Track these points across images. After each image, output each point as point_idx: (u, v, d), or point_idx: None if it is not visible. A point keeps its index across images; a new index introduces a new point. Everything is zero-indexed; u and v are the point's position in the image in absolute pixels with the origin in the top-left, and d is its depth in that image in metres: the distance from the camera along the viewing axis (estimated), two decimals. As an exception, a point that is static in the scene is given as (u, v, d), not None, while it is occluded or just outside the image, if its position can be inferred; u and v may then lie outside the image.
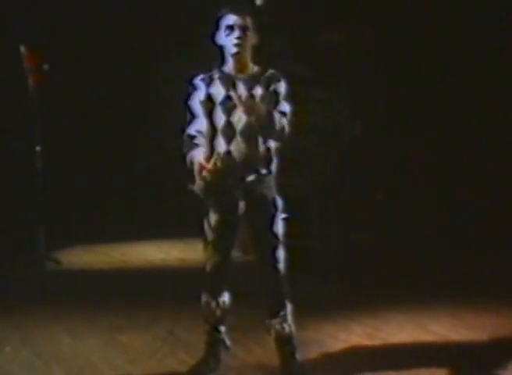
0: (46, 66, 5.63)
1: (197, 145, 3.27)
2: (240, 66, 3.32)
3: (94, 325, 4.28)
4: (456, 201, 5.54)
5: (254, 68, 3.36)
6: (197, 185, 3.19)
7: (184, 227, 5.70)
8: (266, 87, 3.30)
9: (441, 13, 5.45)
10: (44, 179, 5.70)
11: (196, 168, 3.15)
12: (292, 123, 3.27)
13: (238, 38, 3.25)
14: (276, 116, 3.22)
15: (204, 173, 3.12)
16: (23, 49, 5.58)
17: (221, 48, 3.35)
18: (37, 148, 5.69)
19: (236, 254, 3.51)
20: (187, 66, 5.63)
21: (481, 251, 5.30)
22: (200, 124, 3.32)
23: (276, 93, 3.31)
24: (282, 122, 3.22)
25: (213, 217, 3.33)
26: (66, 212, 6.49)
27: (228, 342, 3.51)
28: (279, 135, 3.25)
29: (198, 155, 3.21)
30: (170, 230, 6.59)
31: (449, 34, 5.45)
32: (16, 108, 6.34)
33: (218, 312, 3.44)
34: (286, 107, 3.30)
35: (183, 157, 3.29)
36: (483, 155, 5.51)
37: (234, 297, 3.47)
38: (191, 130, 3.32)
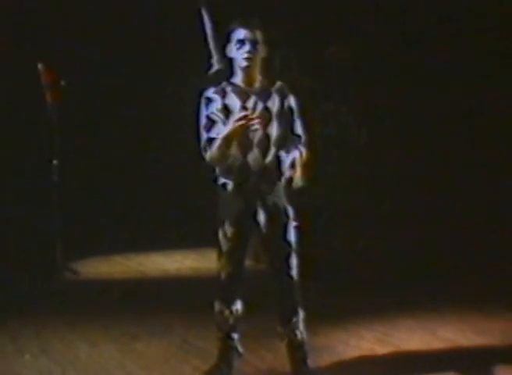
0: (63, 82, 5.76)
1: None
2: (249, 79, 3.35)
3: (110, 333, 4.33)
4: (462, 207, 5.55)
5: (261, 80, 3.39)
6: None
7: (197, 237, 5.78)
8: (281, 102, 3.35)
9: (445, 26, 5.50)
10: (61, 191, 5.83)
11: (237, 121, 3.15)
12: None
13: (249, 52, 3.27)
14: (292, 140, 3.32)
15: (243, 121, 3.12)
16: (40, 66, 5.71)
17: (230, 61, 3.38)
18: (54, 162, 5.84)
19: (248, 262, 3.55)
20: (200, 78, 5.74)
21: (487, 256, 5.31)
22: (221, 128, 3.27)
23: (291, 110, 3.37)
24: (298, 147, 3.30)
25: (229, 228, 3.35)
26: (83, 223, 6.58)
27: (240, 349, 3.54)
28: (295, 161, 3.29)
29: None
30: (184, 240, 6.65)
31: (453, 47, 5.49)
32: (33, 123, 6.46)
33: (232, 320, 3.48)
34: (299, 129, 3.38)
35: (204, 158, 3.28)
36: (487, 163, 5.54)
37: (246, 305, 3.51)
38: (211, 133, 3.28)
